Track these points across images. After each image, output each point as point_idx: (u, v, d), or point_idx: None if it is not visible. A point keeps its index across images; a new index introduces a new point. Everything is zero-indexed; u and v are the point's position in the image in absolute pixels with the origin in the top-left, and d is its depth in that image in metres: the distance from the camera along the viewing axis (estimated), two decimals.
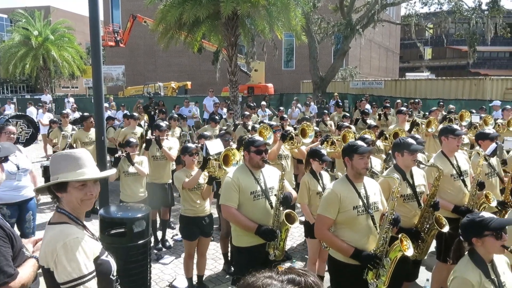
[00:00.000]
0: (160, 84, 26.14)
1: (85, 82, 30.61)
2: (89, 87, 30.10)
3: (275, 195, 3.63)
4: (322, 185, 4.49)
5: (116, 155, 5.52)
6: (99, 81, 5.07)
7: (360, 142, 3.33)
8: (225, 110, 13.27)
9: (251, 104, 12.08)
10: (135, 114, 8.23)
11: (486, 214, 2.44)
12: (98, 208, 4.96)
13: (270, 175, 3.75)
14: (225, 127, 7.78)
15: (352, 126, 8.36)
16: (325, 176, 4.63)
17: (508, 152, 5.51)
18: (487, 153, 4.46)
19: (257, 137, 4.04)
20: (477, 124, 6.85)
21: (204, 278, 5.00)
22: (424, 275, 4.64)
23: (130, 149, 5.51)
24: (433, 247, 5.39)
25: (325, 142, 5.92)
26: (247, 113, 8.91)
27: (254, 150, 3.63)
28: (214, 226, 5.99)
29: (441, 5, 18.88)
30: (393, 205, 3.11)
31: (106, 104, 14.87)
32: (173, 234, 6.65)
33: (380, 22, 19.35)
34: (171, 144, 6.22)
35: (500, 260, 2.46)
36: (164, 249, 6.07)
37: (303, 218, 4.88)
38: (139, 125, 8.36)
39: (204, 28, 13.54)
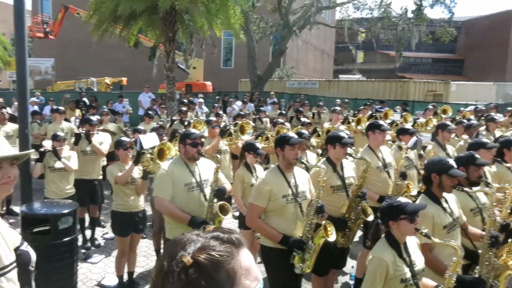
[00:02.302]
0: (93, 80, 24.95)
1: (9, 75, 28.39)
2: (13, 81, 27.99)
3: (210, 186, 3.66)
4: (256, 178, 4.58)
5: (41, 150, 5.21)
6: (24, 74, 4.78)
7: (291, 134, 3.47)
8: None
9: (184, 100, 11.99)
10: (61, 108, 7.81)
11: (402, 199, 2.65)
12: (21, 209, 4.65)
13: (205, 168, 3.78)
14: (160, 123, 7.65)
15: (287, 123, 8.61)
16: (259, 169, 4.73)
17: (424, 147, 5.99)
18: (409, 146, 4.82)
19: (193, 130, 4.05)
20: (398, 122, 7.37)
21: (135, 275, 4.89)
22: (349, 263, 4.90)
23: (57, 143, 5.24)
24: (357, 237, 5.74)
25: (260, 137, 6.04)
26: (184, 108, 8.83)
27: (189, 142, 3.65)
28: (148, 224, 5.89)
29: (371, 10, 19.98)
30: (318, 193, 3.28)
31: (34, 99, 13.96)
32: (103, 233, 6.42)
33: (316, 25, 20.03)
34: (102, 139, 6.00)
35: (411, 241, 2.69)
36: (93, 248, 5.85)
37: (237, 214, 4.95)
38: (66, 119, 7.95)
39: (141, 22, 13.13)
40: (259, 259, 4.96)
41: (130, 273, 4.79)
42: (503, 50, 45.31)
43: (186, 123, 7.55)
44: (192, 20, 13.77)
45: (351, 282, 4.83)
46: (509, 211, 3.68)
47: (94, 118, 6.24)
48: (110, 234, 6.11)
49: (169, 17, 12.23)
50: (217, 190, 3.67)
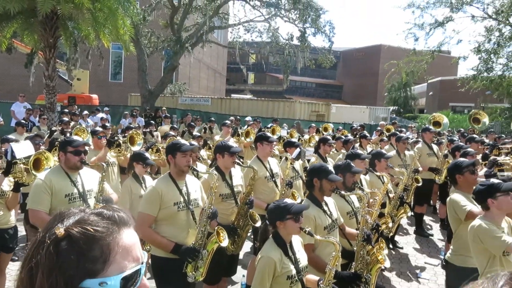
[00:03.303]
0: None
1: None
2: None
3: (95, 197, 3.45)
4: (145, 189, 4.43)
5: None
6: None
7: (183, 141, 3.45)
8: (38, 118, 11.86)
9: (65, 110, 11.21)
10: None
11: (288, 201, 2.81)
12: None
13: (89, 177, 3.57)
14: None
15: (179, 137, 8.55)
16: (148, 180, 4.58)
17: (308, 161, 6.45)
18: (293, 156, 5.14)
19: (75, 137, 3.79)
20: (285, 138, 7.84)
21: None
22: (241, 272, 4.98)
23: None
24: (248, 247, 5.88)
25: (150, 149, 5.89)
26: (66, 119, 8.19)
27: (71, 150, 3.42)
28: (21, 244, 5.29)
29: (261, 34, 21.06)
30: (211, 200, 3.29)
31: None
32: None
33: (208, 43, 20.35)
34: None
35: (296, 240, 2.85)
36: None
37: None
38: None
39: (16, 24, 11.90)
40: (149, 275, 4.81)
41: None
42: (374, 78, 51.24)
43: (68, 134, 7.00)
44: (77, 28, 12.96)
45: None
46: (378, 213, 4.15)
47: None
48: None
49: (49, 21, 11.33)
50: (103, 200, 3.47)
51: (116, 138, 5.62)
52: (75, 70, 20.56)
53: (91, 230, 0.90)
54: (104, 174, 3.54)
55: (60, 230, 0.88)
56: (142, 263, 0.96)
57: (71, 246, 0.87)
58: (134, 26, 14.93)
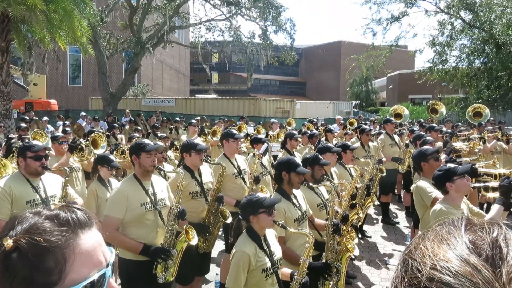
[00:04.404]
0: None
1: None
2: None
3: (59, 202, 3.33)
4: (112, 192, 4.33)
5: None
6: None
7: (147, 141, 3.39)
8: None
9: (25, 117, 10.78)
10: None
11: (260, 194, 2.81)
12: None
13: (51, 183, 3.46)
14: None
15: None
16: (114, 183, 4.47)
17: (275, 156, 6.51)
18: (261, 152, 5.16)
19: (35, 141, 3.65)
20: (252, 134, 7.87)
21: None
22: (214, 271, 4.96)
23: None
24: (222, 245, 5.86)
25: (115, 151, 5.76)
26: (23, 125, 7.86)
27: (31, 155, 3.30)
28: None
29: (222, 32, 21.00)
30: (178, 198, 3.25)
31: None
32: None
33: (169, 43, 20.09)
34: None
35: (270, 233, 2.87)
36: None
37: None
38: None
39: None
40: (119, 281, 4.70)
41: None
42: (336, 74, 52.25)
43: (26, 140, 6.72)
44: (31, 31, 12.48)
45: None
46: (349, 204, 4.24)
47: None
48: None
49: (1, 24, 10.86)
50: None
51: (78, 142, 5.43)
52: (31, 75, 19.77)
53: (41, 240, 0.81)
54: (67, 178, 3.43)
55: (8, 242, 0.80)
56: (107, 266, 0.88)
57: (22, 259, 0.79)
58: (92, 27, 14.53)
